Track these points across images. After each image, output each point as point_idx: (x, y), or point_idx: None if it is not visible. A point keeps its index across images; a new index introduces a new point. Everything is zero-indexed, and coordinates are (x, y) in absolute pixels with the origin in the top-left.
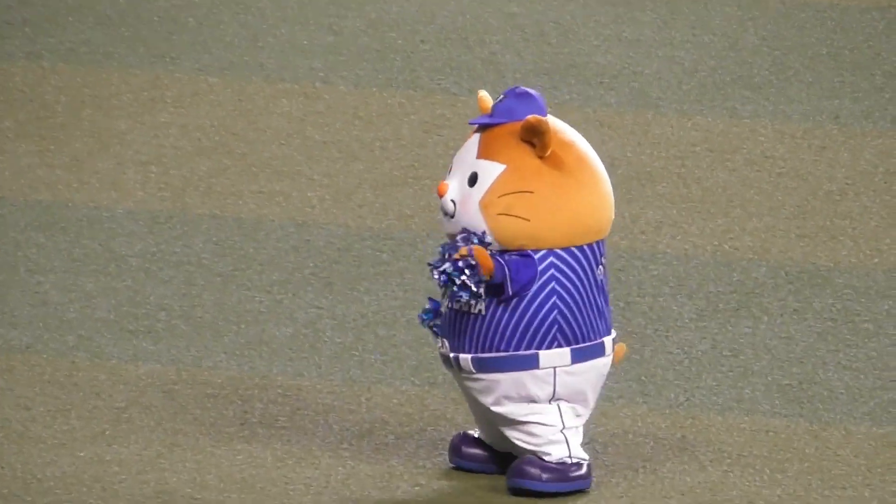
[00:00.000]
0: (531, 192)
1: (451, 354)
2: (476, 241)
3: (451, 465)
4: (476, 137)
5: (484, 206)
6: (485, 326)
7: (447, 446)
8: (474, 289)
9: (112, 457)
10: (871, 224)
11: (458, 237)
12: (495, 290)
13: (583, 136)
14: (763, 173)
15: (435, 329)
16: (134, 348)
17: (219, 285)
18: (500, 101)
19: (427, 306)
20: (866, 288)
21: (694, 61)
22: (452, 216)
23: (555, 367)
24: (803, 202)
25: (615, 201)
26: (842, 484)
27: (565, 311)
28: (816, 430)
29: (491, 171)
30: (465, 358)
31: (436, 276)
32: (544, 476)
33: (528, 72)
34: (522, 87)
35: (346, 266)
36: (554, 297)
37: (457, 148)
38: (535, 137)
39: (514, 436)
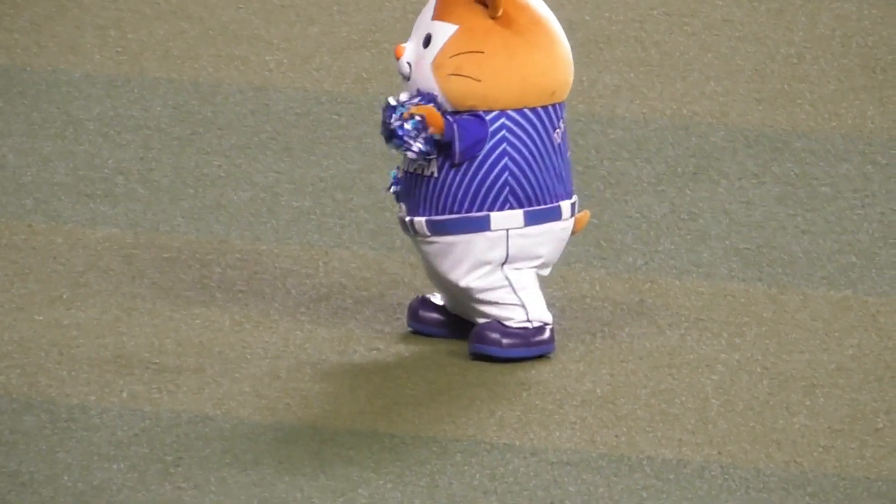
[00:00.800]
0: (482, 53)
1: (407, 217)
2: (426, 102)
3: (410, 330)
4: (433, 0)
5: (436, 66)
6: (437, 188)
7: (405, 311)
8: (422, 146)
9: (70, 321)
10: (829, 87)
11: (411, 98)
12: (446, 151)
13: None
14: (721, 37)
15: (395, 193)
16: (91, 212)
17: (176, 149)
18: None
19: (393, 171)
20: (824, 151)
21: None
22: (408, 78)
23: (507, 230)
24: (761, 66)
25: (574, 65)
26: (799, 348)
27: (517, 172)
28: (774, 294)
29: (444, 31)
30: (420, 221)
31: (383, 133)
32: (505, 341)
33: None
34: None
35: (304, 130)
36: (505, 159)
37: (417, 11)
38: None
39: (471, 304)
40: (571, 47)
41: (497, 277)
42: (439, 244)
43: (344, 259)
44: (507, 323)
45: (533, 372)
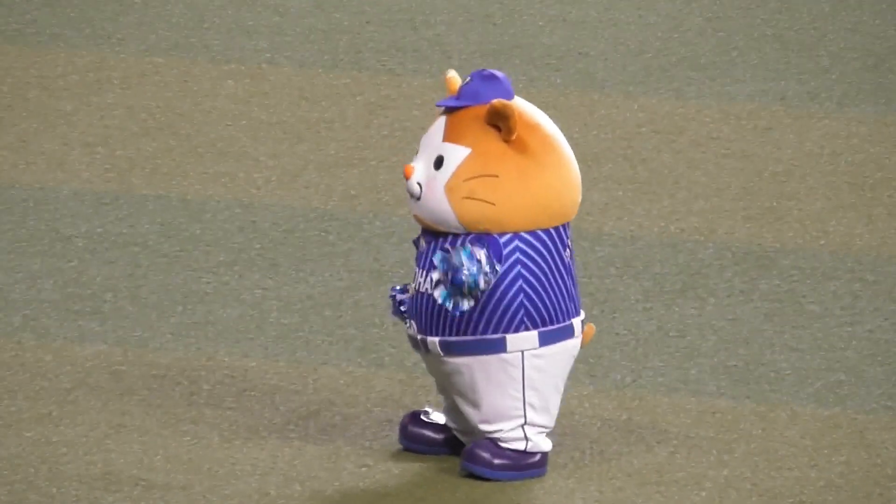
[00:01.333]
0: (496, 176)
1: (419, 336)
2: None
3: (401, 447)
4: (442, 120)
5: (449, 189)
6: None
7: (394, 427)
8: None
9: (59, 438)
10: (816, 205)
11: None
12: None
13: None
14: (708, 154)
15: (403, 310)
16: (80, 329)
17: (164, 266)
18: (467, 83)
19: (393, 292)
20: (812, 269)
21: (639, 42)
22: (419, 199)
23: (522, 351)
24: (749, 183)
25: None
26: (788, 465)
27: (532, 294)
28: (763, 412)
29: (456, 154)
30: (433, 341)
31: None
32: (496, 462)
33: (474, 52)
34: (489, 70)
35: (292, 247)
36: (520, 281)
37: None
38: (501, 121)
39: (477, 422)
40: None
41: (515, 401)
42: (453, 364)
43: (332, 376)
44: (501, 444)
45: (523, 490)
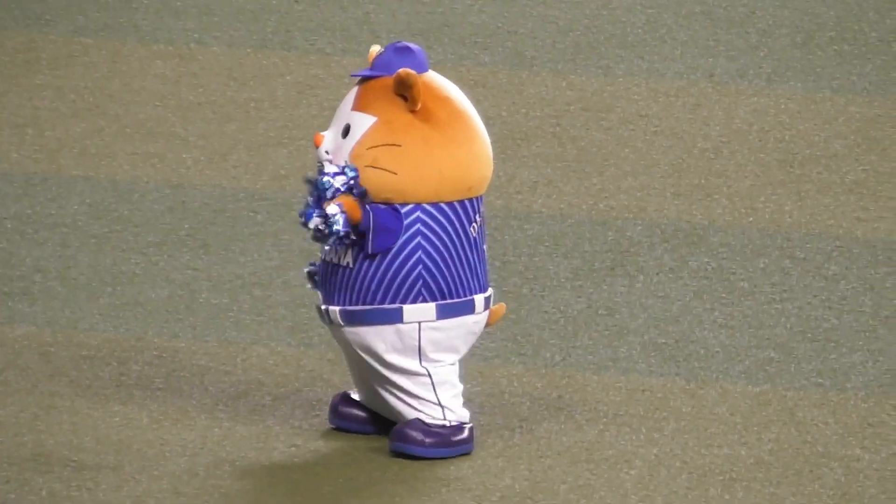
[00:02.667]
0: (399, 146)
1: (323, 306)
2: (346, 179)
3: (331, 426)
4: (355, 90)
5: (353, 157)
6: (352, 279)
7: (324, 407)
8: (341, 233)
9: None
10: (745, 182)
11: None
12: (361, 240)
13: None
14: (638, 132)
15: (316, 280)
16: (9, 310)
17: (94, 247)
18: (380, 54)
19: (312, 261)
20: (741, 246)
21: (568, 20)
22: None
23: (419, 322)
24: (678, 160)
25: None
26: (718, 442)
27: (431, 266)
28: (692, 389)
29: (363, 122)
30: (335, 310)
31: (302, 220)
32: (427, 440)
33: (402, 32)
34: (404, 42)
35: (222, 227)
36: (419, 252)
37: (334, 108)
38: (405, 91)
39: (388, 398)
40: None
41: (414, 371)
42: (354, 334)
43: (262, 356)
44: (428, 422)
45: (452, 468)
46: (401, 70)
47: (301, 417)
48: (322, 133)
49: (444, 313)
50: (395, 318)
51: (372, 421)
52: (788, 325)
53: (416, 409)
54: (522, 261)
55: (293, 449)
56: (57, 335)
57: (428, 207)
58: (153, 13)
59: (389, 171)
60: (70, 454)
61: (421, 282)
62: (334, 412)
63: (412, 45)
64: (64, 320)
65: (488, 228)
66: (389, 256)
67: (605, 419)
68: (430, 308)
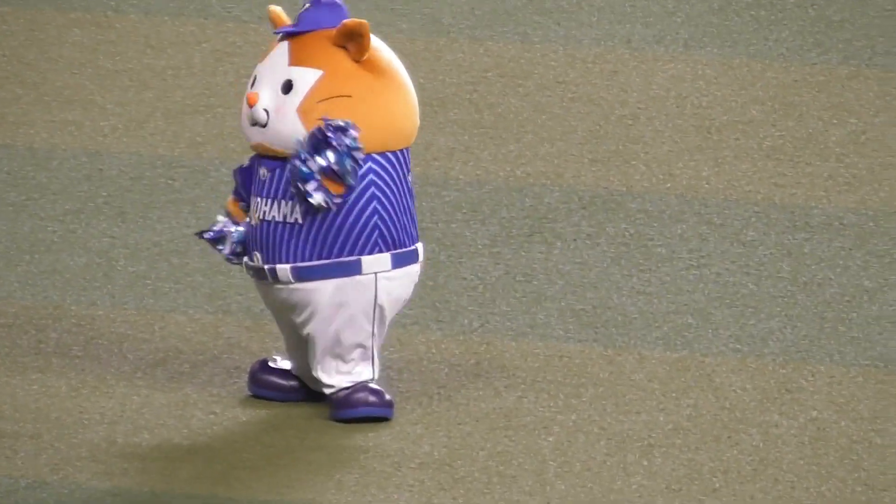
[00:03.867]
0: (349, 97)
1: (266, 266)
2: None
3: (249, 394)
4: (284, 46)
5: (303, 112)
6: (303, 235)
7: (242, 375)
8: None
9: None
10: (663, 148)
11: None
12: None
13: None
14: (555, 98)
15: (235, 248)
16: None
17: (11, 215)
18: (306, 10)
19: (218, 227)
20: (659, 212)
21: None
22: (265, 125)
23: (376, 273)
24: (595, 127)
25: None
26: (636, 409)
27: (385, 216)
28: (611, 355)
29: (307, 77)
30: (284, 268)
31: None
32: (382, 400)
33: None
34: None
35: (139, 194)
36: (374, 202)
37: (251, 73)
38: (353, 41)
39: (325, 357)
40: None
41: (364, 326)
42: (302, 291)
43: (180, 323)
44: (360, 380)
45: (371, 435)
46: (349, 20)
47: (219, 385)
48: (253, 91)
49: (397, 263)
50: (355, 269)
51: (290, 389)
52: (706, 291)
53: (349, 368)
54: (440, 227)
55: (212, 416)
56: None
57: (377, 157)
58: None
59: None
60: None
61: (377, 232)
62: (253, 380)
63: (338, 0)
64: None
65: None
66: (345, 209)
67: (523, 385)
68: (385, 258)
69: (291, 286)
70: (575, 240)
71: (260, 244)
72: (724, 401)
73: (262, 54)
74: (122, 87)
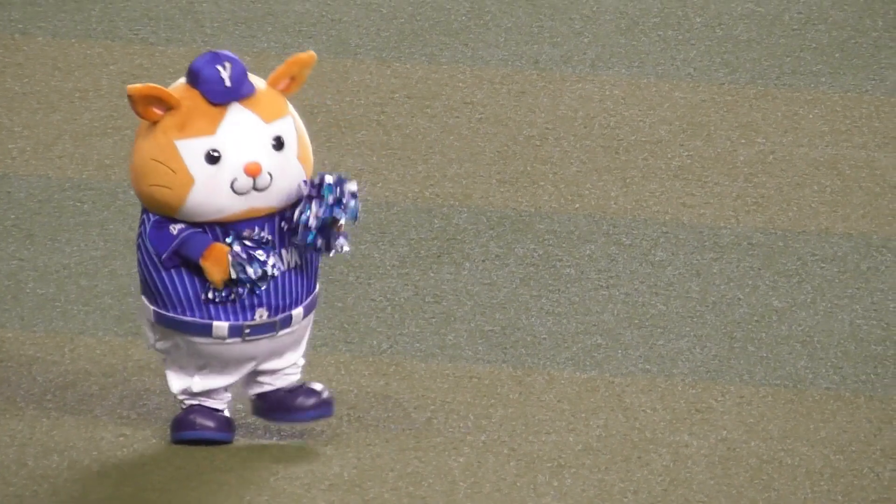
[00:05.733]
0: (304, 130)
1: (280, 316)
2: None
3: (165, 421)
4: (237, 109)
5: (303, 159)
6: (305, 273)
7: (151, 396)
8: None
9: None
10: (571, 169)
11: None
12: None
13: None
14: (462, 119)
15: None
16: None
17: None
18: (228, 70)
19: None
20: (568, 233)
21: (392, 8)
22: (265, 189)
23: None
24: (503, 147)
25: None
26: (546, 429)
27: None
28: (520, 376)
29: (287, 127)
30: (298, 312)
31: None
32: (326, 396)
33: (227, 21)
34: (215, 52)
35: (47, 217)
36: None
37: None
38: (303, 71)
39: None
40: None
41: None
42: (301, 327)
43: (89, 345)
44: (313, 387)
45: (281, 456)
46: (301, 54)
47: (129, 407)
48: (252, 161)
49: None
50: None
51: (230, 426)
52: (615, 312)
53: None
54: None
55: (121, 438)
56: None
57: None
58: None
59: (308, 155)
60: None
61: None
62: (190, 426)
63: (223, 52)
64: None
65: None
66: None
67: (432, 406)
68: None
69: (293, 327)
70: (484, 260)
71: (269, 298)
72: (633, 421)
73: (197, 130)
74: (30, 110)
